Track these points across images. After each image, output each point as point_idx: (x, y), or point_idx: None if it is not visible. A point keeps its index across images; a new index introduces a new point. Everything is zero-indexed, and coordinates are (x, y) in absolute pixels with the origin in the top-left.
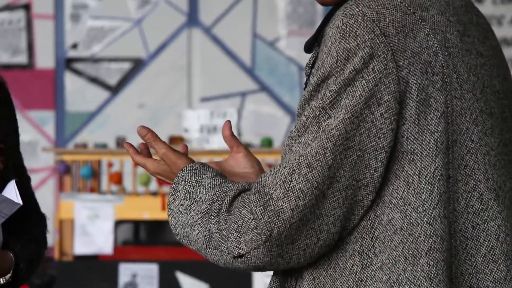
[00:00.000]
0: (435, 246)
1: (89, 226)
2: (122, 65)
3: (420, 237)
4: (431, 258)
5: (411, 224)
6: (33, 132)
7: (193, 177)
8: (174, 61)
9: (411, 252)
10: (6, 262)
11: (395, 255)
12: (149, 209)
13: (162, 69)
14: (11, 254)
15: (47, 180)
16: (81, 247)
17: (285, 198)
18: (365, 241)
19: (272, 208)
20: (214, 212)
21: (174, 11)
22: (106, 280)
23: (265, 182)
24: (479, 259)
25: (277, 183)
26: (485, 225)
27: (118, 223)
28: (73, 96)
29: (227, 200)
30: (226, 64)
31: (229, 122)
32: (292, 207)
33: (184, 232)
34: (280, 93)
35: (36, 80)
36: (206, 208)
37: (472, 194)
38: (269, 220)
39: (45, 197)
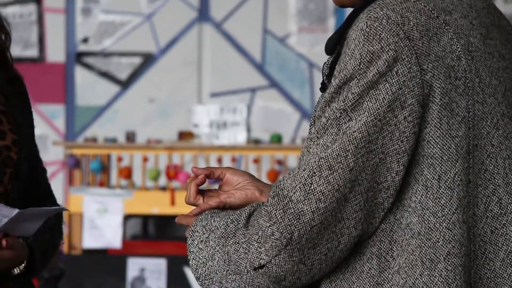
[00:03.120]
0: (454, 251)
1: (98, 220)
2: (133, 59)
3: (439, 242)
4: (449, 263)
5: (429, 229)
6: (43, 125)
7: (208, 215)
8: (185, 56)
9: (429, 257)
10: (21, 252)
11: (412, 259)
12: (158, 204)
13: (173, 64)
14: (25, 245)
15: (57, 174)
16: (90, 241)
17: (306, 201)
18: (384, 245)
19: (292, 211)
20: (231, 233)
21: (185, 6)
22: (115, 274)
23: (283, 185)
24: (497, 263)
25: (296, 185)
26: (504, 230)
27: (127, 218)
28: (83, 90)
29: (243, 218)
30: (236, 59)
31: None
32: (313, 209)
33: (205, 270)
34: (290, 89)
35: (46, 73)
36: (222, 232)
37: (491, 199)
38: (289, 223)
39: (54, 191)
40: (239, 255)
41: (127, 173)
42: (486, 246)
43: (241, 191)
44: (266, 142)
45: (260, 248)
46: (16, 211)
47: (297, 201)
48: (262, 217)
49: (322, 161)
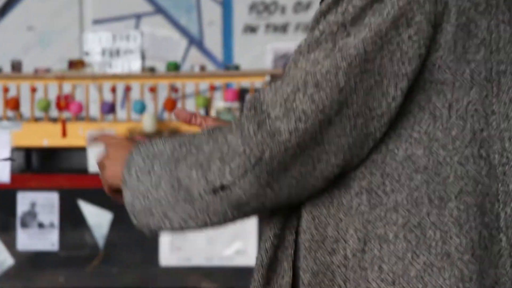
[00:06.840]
0: (467, 189)
1: None
2: None
3: (449, 178)
4: (461, 202)
5: (439, 163)
6: None
7: (147, 143)
8: None
9: (438, 194)
10: None
11: (416, 197)
12: (49, 136)
13: None
14: None
15: None
16: None
17: (285, 119)
18: (375, 178)
19: (268, 128)
20: (181, 156)
21: None
22: (3, 209)
23: (263, 98)
24: None
25: (277, 100)
26: None
27: (15, 150)
28: None
29: (200, 138)
30: None
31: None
32: (290, 129)
33: (145, 203)
34: (176, 15)
35: None
36: (169, 155)
37: None
38: (262, 140)
39: None
40: (192, 179)
41: (14, 104)
42: None
43: None
44: (162, 71)
45: (223, 166)
46: None
47: (275, 117)
48: (232, 132)
49: (308, 77)
